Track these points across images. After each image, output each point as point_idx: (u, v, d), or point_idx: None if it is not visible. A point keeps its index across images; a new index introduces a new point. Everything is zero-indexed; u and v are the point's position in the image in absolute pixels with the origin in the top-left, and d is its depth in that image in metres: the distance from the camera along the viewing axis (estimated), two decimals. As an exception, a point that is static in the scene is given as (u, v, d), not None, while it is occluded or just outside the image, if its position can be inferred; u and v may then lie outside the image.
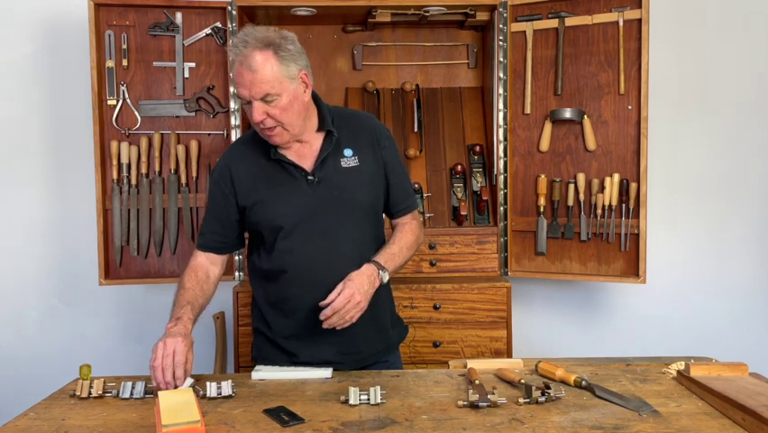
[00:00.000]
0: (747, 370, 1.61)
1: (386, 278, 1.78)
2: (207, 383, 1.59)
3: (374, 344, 1.91)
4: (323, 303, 1.68)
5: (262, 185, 1.84)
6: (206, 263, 1.91)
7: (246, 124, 2.82)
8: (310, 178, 1.82)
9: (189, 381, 1.61)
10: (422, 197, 2.83)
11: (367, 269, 1.75)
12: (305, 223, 1.82)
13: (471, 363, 1.76)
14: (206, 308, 3.09)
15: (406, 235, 1.91)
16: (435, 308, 2.63)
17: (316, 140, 1.86)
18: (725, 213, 3.07)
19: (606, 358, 2.10)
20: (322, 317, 1.67)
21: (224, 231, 1.91)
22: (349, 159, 1.86)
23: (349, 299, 1.67)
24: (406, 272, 2.75)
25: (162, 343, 1.61)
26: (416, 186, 2.82)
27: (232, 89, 2.70)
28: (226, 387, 1.58)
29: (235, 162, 1.88)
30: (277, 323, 1.90)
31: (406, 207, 1.96)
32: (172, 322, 1.70)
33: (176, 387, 1.57)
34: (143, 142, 2.71)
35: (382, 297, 1.91)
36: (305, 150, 1.86)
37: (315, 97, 1.88)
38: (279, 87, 1.71)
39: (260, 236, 1.89)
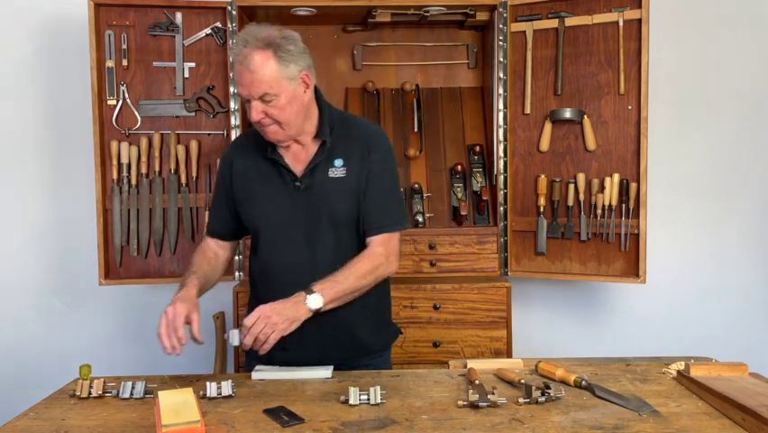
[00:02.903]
0: (747, 370, 1.61)
1: (314, 303, 1.69)
2: (207, 383, 1.59)
3: (346, 352, 1.88)
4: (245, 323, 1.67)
5: (255, 182, 1.88)
6: (215, 246, 1.99)
7: (246, 124, 2.82)
8: (297, 184, 1.84)
9: (235, 333, 1.66)
10: (422, 197, 2.83)
11: (295, 298, 1.70)
12: (288, 227, 1.84)
13: (471, 363, 1.76)
14: (206, 308, 3.11)
15: (360, 264, 1.80)
16: (435, 308, 2.63)
17: (313, 145, 1.87)
18: (725, 213, 3.07)
19: (606, 358, 2.09)
20: (246, 345, 1.66)
21: (229, 217, 1.95)
22: (338, 169, 1.84)
23: (258, 320, 1.64)
24: (406, 272, 2.75)
25: (164, 312, 1.66)
26: (416, 186, 2.83)
27: (232, 89, 2.70)
28: (226, 387, 1.58)
29: (236, 153, 1.94)
30: None
31: (375, 228, 1.84)
32: (178, 292, 1.78)
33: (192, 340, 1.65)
34: (143, 142, 2.71)
35: (360, 310, 1.87)
36: (301, 153, 1.87)
37: (319, 100, 1.89)
38: (278, 87, 1.72)
39: (251, 234, 1.94)
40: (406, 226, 1.94)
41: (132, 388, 1.60)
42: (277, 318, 1.65)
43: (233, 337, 1.66)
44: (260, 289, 1.94)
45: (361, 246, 1.87)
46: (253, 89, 1.72)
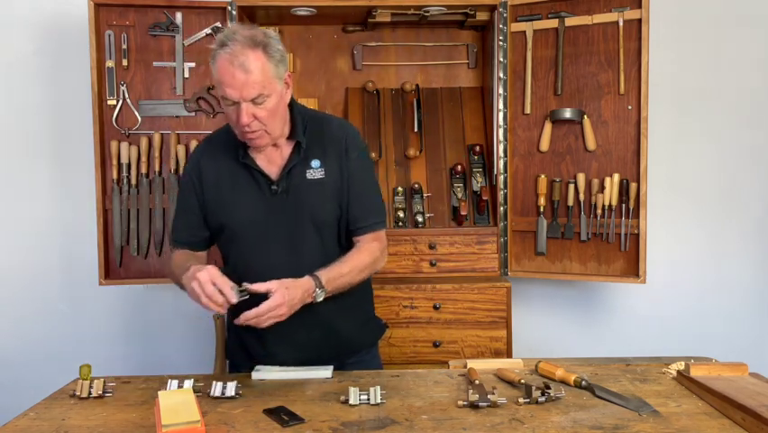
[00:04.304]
0: (747, 370, 1.61)
1: (320, 298, 1.68)
2: (214, 383, 1.59)
3: (332, 351, 1.86)
4: (250, 287, 1.60)
5: (226, 187, 1.81)
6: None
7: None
8: (274, 187, 1.78)
9: (235, 294, 1.59)
10: (422, 197, 2.83)
11: (306, 283, 1.66)
12: (267, 233, 1.78)
13: (471, 363, 1.76)
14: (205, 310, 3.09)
15: (361, 256, 1.79)
16: (435, 308, 2.63)
17: (287, 147, 1.80)
18: (725, 213, 3.07)
19: (606, 358, 2.09)
20: (242, 318, 1.59)
21: (197, 225, 1.87)
22: (315, 170, 1.79)
23: (275, 309, 1.59)
24: (406, 272, 2.75)
25: (195, 280, 1.57)
26: (416, 186, 2.83)
27: (232, 89, 2.69)
28: (231, 388, 1.57)
29: (206, 158, 1.85)
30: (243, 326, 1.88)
31: (366, 227, 1.83)
32: (187, 271, 1.65)
33: (230, 304, 1.57)
34: (143, 142, 2.71)
35: (343, 307, 1.83)
36: (275, 156, 1.80)
37: (290, 100, 1.81)
38: (270, 87, 1.65)
39: (223, 242, 1.86)
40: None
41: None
42: (285, 311, 1.61)
43: (234, 295, 1.59)
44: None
45: (343, 246, 1.84)
46: (247, 91, 1.62)
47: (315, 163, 1.79)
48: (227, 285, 1.58)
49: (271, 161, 1.80)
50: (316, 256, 1.77)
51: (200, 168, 1.84)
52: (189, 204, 1.86)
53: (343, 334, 1.87)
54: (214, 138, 1.92)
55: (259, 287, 1.60)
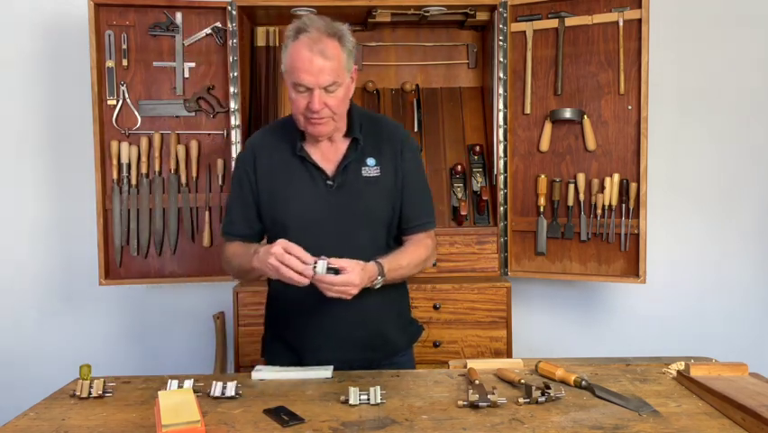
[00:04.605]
0: (747, 370, 1.61)
1: (378, 285, 1.72)
2: (213, 383, 1.59)
3: (378, 352, 1.88)
4: (331, 263, 1.62)
5: (281, 179, 1.81)
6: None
7: (246, 124, 2.82)
8: (329, 183, 1.79)
9: (323, 263, 1.61)
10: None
11: (372, 268, 1.69)
12: (318, 227, 1.78)
13: (471, 363, 1.76)
14: (206, 308, 3.10)
15: (419, 251, 1.83)
16: (435, 308, 2.63)
17: (342, 143, 1.82)
18: (725, 212, 3.07)
19: (606, 358, 2.09)
20: (318, 278, 1.61)
21: (253, 217, 1.86)
22: (371, 168, 1.81)
23: (348, 285, 1.61)
24: (406, 272, 2.75)
25: (271, 255, 1.60)
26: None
27: (232, 89, 2.70)
28: (231, 388, 1.57)
29: (260, 148, 1.86)
30: (285, 321, 1.89)
31: (420, 225, 1.87)
32: (256, 254, 1.68)
33: (312, 269, 1.59)
34: (143, 142, 2.71)
35: (388, 308, 1.87)
36: (330, 151, 1.82)
37: None
38: (342, 77, 1.69)
39: (274, 235, 1.85)
40: None
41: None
42: (354, 292, 1.63)
43: (321, 267, 1.60)
44: (289, 290, 1.75)
45: (391, 246, 1.85)
46: (323, 77, 1.65)
47: (371, 161, 1.81)
48: (304, 253, 1.60)
49: (326, 156, 1.82)
50: (367, 253, 1.76)
51: (255, 157, 1.84)
52: (244, 195, 1.86)
53: (389, 336, 1.89)
54: (269, 129, 1.94)
55: (336, 262, 1.61)
